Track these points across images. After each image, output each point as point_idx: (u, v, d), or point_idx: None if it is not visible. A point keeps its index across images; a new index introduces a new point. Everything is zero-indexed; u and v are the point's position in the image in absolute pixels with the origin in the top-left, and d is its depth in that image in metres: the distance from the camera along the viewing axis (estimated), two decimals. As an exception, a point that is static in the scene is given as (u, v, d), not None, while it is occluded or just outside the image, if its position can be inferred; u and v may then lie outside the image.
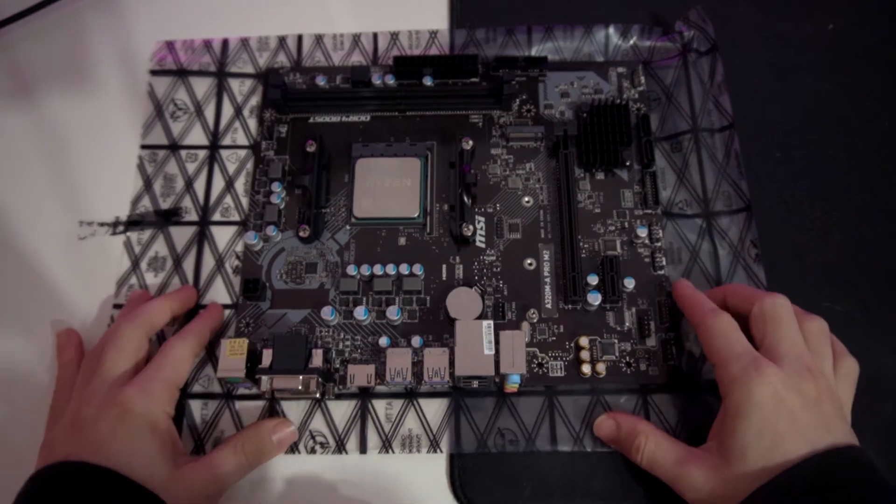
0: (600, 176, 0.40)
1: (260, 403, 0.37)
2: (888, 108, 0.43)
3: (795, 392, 0.30)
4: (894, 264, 0.40)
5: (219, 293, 0.39)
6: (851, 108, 0.43)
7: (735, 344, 0.32)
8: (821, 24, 0.45)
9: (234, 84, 0.44)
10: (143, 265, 0.40)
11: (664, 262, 0.38)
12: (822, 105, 0.43)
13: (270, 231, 0.39)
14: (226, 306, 0.39)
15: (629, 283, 0.37)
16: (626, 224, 0.39)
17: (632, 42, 0.44)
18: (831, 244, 0.40)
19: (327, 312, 0.37)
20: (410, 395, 0.37)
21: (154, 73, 0.45)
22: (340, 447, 0.36)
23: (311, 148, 0.40)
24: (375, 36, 0.45)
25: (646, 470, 0.33)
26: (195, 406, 0.37)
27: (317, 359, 0.35)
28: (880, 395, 0.37)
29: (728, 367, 0.31)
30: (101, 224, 0.41)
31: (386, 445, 0.36)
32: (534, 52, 0.44)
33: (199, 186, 0.42)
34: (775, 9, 0.46)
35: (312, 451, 0.36)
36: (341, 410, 0.37)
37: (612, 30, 0.44)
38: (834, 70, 0.44)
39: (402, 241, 0.39)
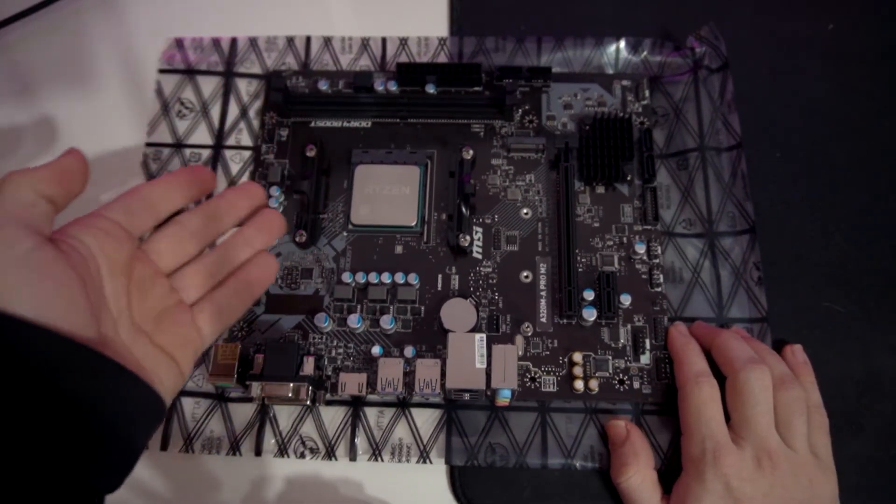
0: (601, 190, 0.40)
1: (252, 406, 0.37)
2: (888, 108, 0.43)
3: (749, 482, 0.31)
4: (894, 264, 0.39)
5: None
6: (852, 109, 0.43)
7: (705, 424, 0.32)
8: (821, 24, 0.45)
9: (241, 84, 0.44)
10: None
11: (661, 280, 0.38)
12: (822, 105, 0.43)
13: (268, 235, 0.39)
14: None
15: (625, 300, 0.37)
16: (625, 239, 0.39)
17: (642, 56, 0.44)
18: (831, 244, 0.40)
19: (321, 319, 0.37)
20: (403, 404, 0.37)
21: (162, 71, 0.45)
22: (330, 453, 0.36)
23: (312, 153, 0.40)
24: (384, 41, 0.45)
25: (616, 489, 0.34)
26: (187, 404, 0.37)
27: (308, 366, 0.35)
28: (880, 395, 0.37)
29: (691, 444, 0.33)
30: None
31: (376, 454, 0.36)
32: (543, 62, 0.44)
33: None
34: (775, 9, 0.46)
35: (302, 455, 0.36)
36: (333, 417, 0.37)
37: (622, 43, 0.44)
38: (834, 70, 0.44)
39: (399, 249, 0.39)
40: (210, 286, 0.32)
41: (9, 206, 0.25)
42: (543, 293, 0.38)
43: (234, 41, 0.45)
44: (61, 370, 0.23)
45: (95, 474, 0.24)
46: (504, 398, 0.34)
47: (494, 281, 0.38)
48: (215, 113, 0.44)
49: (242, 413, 0.37)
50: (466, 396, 0.35)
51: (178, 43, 0.45)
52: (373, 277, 0.38)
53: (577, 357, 0.36)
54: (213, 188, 0.34)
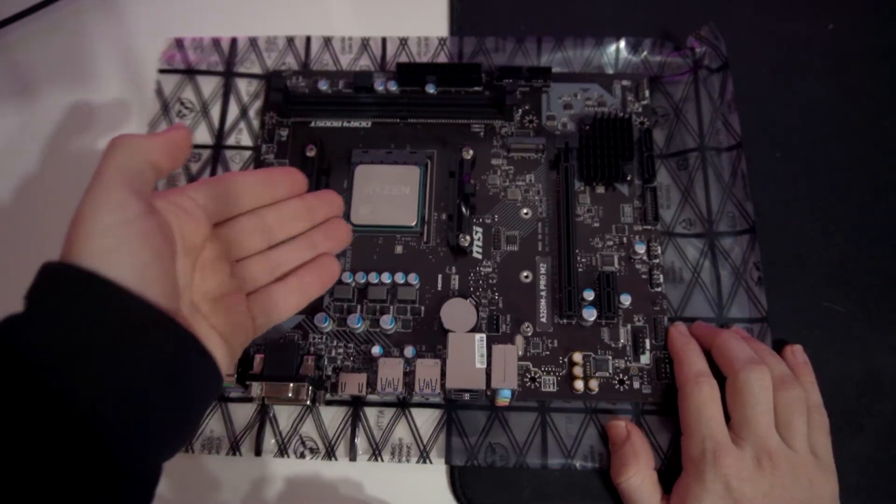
0: (601, 190, 0.40)
1: (252, 406, 0.37)
2: (888, 108, 0.43)
3: (749, 482, 0.31)
4: (894, 264, 0.39)
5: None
6: (852, 109, 0.43)
7: (704, 424, 0.32)
8: (821, 24, 0.45)
9: (241, 84, 0.44)
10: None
11: (661, 280, 0.38)
12: (822, 105, 0.43)
13: (268, 235, 0.39)
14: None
15: (625, 300, 0.37)
16: (625, 239, 0.39)
17: (642, 56, 0.44)
18: (831, 244, 0.40)
19: (321, 319, 0.37)
20: (403, 404, 0.37)
21: (162, 71, 0.45)
22: (330, 453, 0.36)
23: (312, 153, 0.40)
24: (384, 41, 0.45)
25: (616, 489, 0.34)
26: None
27: (308, 367, 0.35)
28: (880, 395, 0.37)
29: (691, 444, 0.33)
30: None
31: (376, 454, 0.36)
32: (543, 62, 0.44)
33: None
34: (775, 9, 0.46)
35: (302, 455, 0.36)
36: (333, 417, 0.37)
37: (622, 43, 0.44)
38: (834, 70, 0.44)
39: (399, 249, 0.39)
40: (270, 280, 0.32)
41: (120, 168, 0.25)
42: (543, 293, 0.38)
43: (234, 41, 0.46)
44: (148, 339, 0.23)
45: (165, 444, 0.25)
46: (504, 398, 0.34)
47: (494, 281, 0.38)
48: (215, 113, 0.44)
49: (242, 413, 0.37)
50: (466, 396, 0.35)
51: (178, 43, 0.46)
52: (373, 277, 0.38)
53: (577, 357, 0.36)
54: (303, 192, 0.34)
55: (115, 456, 0.22)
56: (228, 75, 0.45)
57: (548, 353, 0.37)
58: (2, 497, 0.20)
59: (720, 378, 0.34)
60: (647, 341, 0.37)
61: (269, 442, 0.36)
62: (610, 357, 0.36)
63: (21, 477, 0.20)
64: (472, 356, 0.33)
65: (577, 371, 0.36)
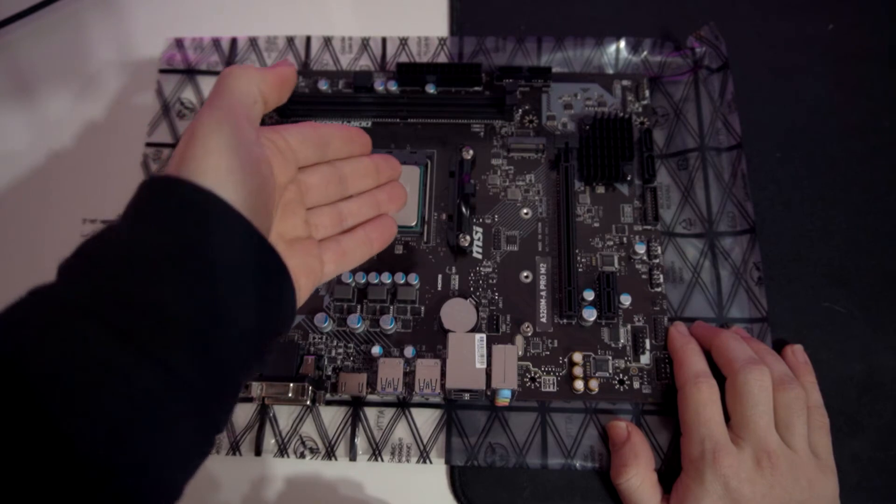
0: (601, 190, 0.40)
1: (252, 406, 0.37)
2: (888, 108, 0.43)
3: (748, 483, 0.31)
4: (894, 264, 0.39)
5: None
6: (851, 109, 0.43)
7: (704, 424, 0.32)
8: (821, 24, 0.45)
9: (241, 85, 0.44)
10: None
11: (661, 280, 0.38)
12: (822, 105, 0.43)
13: (268, 235, 0.39)
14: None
15: (625, 300, 0.37)
16: (625, 239, 0.39)
17: (642, 56, 0.44)
18: (831, 244, 0.40)
19: (321, 319, 0.37)
20: (403, 404, 0.37)
21: (162, 71, 0.45)
22: (330, 453, 0.36)
23: (312, 153, 0.40)
24: (384, 40, 0.45)
25: (616, 489, 0.34)
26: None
27: (308, 366, 0.35)
28: (880, 395, 0.37)
29: (691, 444, 0.33)
30: (105, 222, 0.41)
31: (376, 454, 0.36)
32: (543, 62, 0.44)
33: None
34: (775, 9, 0.46)
35: (302, 455, 0.36)
36: (333, 417, 0.37)
37: (622, 43, 0.44)
38: (834, 70, 0.44)
39: (399, 249, 0.39)
40: (338, 231, 0.32)
41: (238, 97, 0.26)
42: (543, 293, 0.38)
43: (234, 41, 0.46)
44: (253, 263, 0.24)
45: (250, 365, 0.25)
46: (504, 398, 0.34)
47: (494, 281, 0.38)
48: (215, 113, 0.44)
49: (242, 413, 0.37)
50: (466, 396, 0.35)
51: (178, 43, 0.46)
52: (373, 277, 0.38)
53: (577, 357, 0.36)
54: (369, 153, 0.34)
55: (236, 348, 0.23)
56: (228, 75, 0.45)
57: (548, 353, 0.37)
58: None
59: (720, 378, 0.34)
60: (647, 341, 0.37)
61: (269, 442, 0.36)
62: (610, 357, 0.37)
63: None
64: (472, 356, 0.33)
65: (577, 371, 0.36)
